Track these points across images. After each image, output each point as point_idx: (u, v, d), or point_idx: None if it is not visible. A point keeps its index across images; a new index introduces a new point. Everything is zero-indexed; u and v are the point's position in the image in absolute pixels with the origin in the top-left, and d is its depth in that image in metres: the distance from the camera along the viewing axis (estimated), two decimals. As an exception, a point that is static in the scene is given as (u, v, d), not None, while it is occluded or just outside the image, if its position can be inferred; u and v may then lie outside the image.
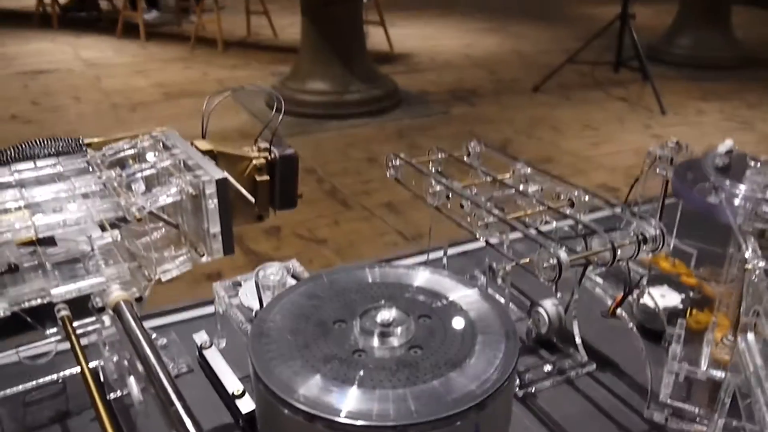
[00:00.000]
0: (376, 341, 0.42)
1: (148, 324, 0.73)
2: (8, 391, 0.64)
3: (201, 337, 0.68)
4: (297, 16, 3.51)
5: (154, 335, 0.69)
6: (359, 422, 0.36)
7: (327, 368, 0.39)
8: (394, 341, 0.41)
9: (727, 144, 0.70)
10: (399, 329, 0.42)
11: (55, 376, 0.65)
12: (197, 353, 0.67)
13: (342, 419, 0.36)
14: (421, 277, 0.48)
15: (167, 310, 0.75)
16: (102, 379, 0.64)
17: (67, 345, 0.69)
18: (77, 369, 0.66)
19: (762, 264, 0.49)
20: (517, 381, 0.63)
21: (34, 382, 0.64)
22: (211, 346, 0.66)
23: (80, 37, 5.06)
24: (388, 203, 2.43)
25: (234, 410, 0.60)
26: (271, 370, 0.39)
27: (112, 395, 0.62)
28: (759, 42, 5.04)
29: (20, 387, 0.64)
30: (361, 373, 0.39)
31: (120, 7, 5.15)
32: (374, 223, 2.30)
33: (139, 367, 0.38)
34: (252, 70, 4.21)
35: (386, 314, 0.42)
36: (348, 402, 0.37)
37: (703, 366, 0.59)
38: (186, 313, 0.75)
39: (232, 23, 5.43)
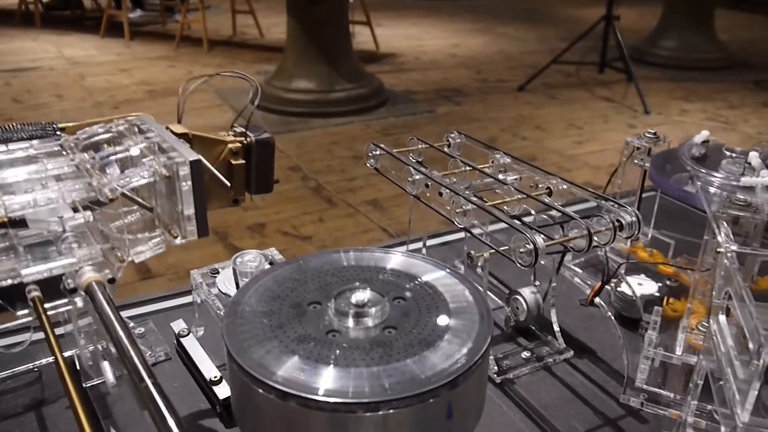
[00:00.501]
0: (350, 322, 0.42)
1: (125, 313, 0.73)
2: (-19, 380, 0.63)
3: (179, 325, 0.67)
4: (283, 16, 3.51)
5: (131, 324, 0.68)
6: (332, 399, 0.36)
7: (301, 348, 0.39)
8: (369, 321, 0.41)
9: (703, 134, 0.71)
10: (373, 310, 0.42)
11: (30, 365, 0.65)
12: (175, 341, 0.67)
13: (315, 396, 0.36)
14: (396, 260, 0.48)
15: (145, 300, 0.75)
16: (78, 367, 0.64)
17: (42, 334, 0.69)
18: (52, 358, 0.66)
19: (734, 247, 0.50)
20: (496, 368, 0.64)
21: (9, 371, 0.64)
22: (188, 334, 0.66)
23: (63, 36, 5.03)
24: (372, 200, 2.43)
25: (211, 396, 0.60)
26: (245, 351, 0.39)
27: (88, 383, 0.61)
28: (742, 44, 5.10)
29: (-6, 375, 0.64)
30: (336, 352, 0.39)
31: (104, 5, 5.11)
32: (359, 219, 2.31)
33: (112, 348, 0.38)
34: (237, 69, 4.20)
35: (361, 295, 0.42)
36: (322, 380, 0.37)
37: (678, 352, 0.60)
38: (164, 302, 0.75)
39: (218, 22, 5.42)
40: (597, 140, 3.10)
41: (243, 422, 0.42)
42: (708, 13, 4.56)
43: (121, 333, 0.37)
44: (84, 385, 0.62)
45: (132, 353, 0.35)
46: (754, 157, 0.68)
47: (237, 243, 2.17)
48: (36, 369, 0.65)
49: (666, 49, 4.51)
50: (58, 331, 0.69)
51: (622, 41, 3.73)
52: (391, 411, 0.36)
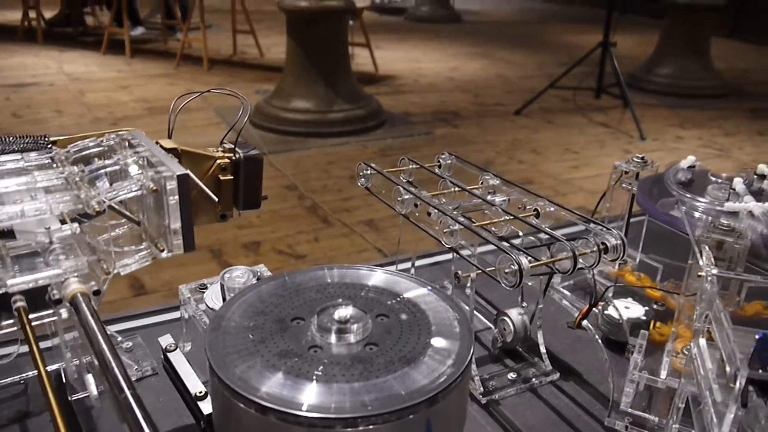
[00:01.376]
0: (333, 338, 0.42)
1: (114, 327, 0.73)
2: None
3: (166, 340, 0.68)
4: (283, 36, 3.54)
5: (119, 338, 0.68)
6: (311, 414, 0.36)
7: (283, 363, 0.40)
8: (351, 338, 0.42)
9: (689, 159, 0.72)
10: (355, 326, 0.42)
11: (17, 377, 0.65)
12: (162, 356, 0.67)
13: (295, 411, 0.36)
14: (380, 278, 0.49)
15: (133, 315, 0.75)
16: (64, 380, 0.64)
17: (17, 349, 0.69)
18: (31, 373, 0.66)
19: (714, 271, 0.50)
20: (482, 388, 0.64)
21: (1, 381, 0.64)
22: (176, 349, 0.66)
23: (64, 52, 5.06)
24: (368, 221, 2.44)
25: (196, 411, 0.60)
26: (226, 365, 0.39)
27: (74, 396, 0.61)
28: (737, 73, 5.15)
29: (-21, 388, 0.64)
30: (318, 368, 0.39)
31: (106, 23, 5.15)
32: (354, 239, 2.31)
33: (95, 360, 0.38)
34: (236, 88, 4.17)
35: (343, 312, 0.42)
36: (302, 396, 0.37)
37: (663, 375, 0.60)
38: (153, 317, 0.75)
39: (219, 42, 5.46)
40: (593, 165, 3.12)
41: (224, 436, 0.42)
42: (704, 42, 4.61)
43: (103, 345, 0.37)
44: (70, 398, 0.62)
45: (113, 365, 0.35)
46: (738, 183, 0.69)
47: (232, 260, 2.17)
48: (22, 381, 0.65)
49: (662, 76, 4.55)
50: (46, 344, 0.69)
51: (618, 68, 3.77)
52: (370, 427, 0.37)
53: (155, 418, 0.60)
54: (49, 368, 0.66)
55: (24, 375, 0.66)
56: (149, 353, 0.68)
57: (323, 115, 3.37)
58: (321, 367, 0.39)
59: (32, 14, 5.48)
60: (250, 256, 2.20)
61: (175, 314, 0.74)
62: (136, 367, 0.66)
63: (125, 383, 0.34)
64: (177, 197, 0.45)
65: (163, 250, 0.47)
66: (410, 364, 0.40)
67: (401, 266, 0.82)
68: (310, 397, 0.37)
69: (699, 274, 0.51)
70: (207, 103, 3.67)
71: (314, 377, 0.39)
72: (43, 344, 0.69)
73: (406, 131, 3.48)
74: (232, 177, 0.55)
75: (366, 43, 4.74)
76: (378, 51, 5.01)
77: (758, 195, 0.71)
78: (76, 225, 0.43)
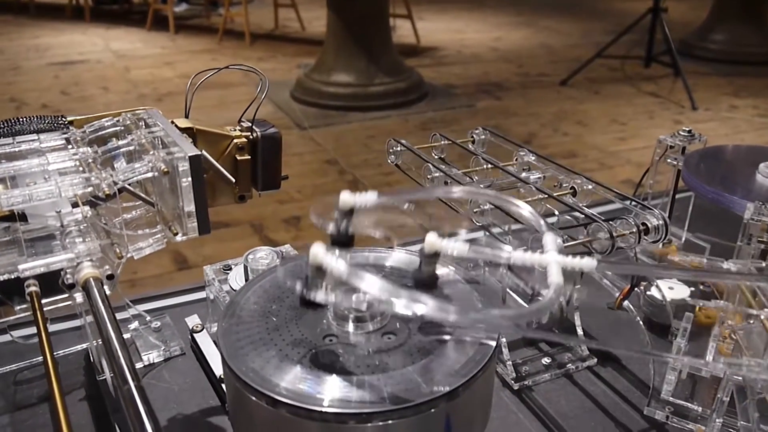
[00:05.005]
0: (350, 326, 0.40)
1: (143, 307, 0.73)
2: (0, 370, 0.64)
3: (193, 321, 0.67)
4: (325, 9, 3.50)
5: (148, 318, 0.68)
6: (324, 409, 0.34)
7: (296, 353, 0.38)
8: (368, 326, 0.40)
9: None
10: (373, 314, 0.40)
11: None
12: (189, 337, 0.66)
13: (307, 405, 0.35)
14: (401, 259, 0.46)
15: (162, 294, 0.75)
16: (92, 360, 0.64)
17: (59, 326, 0.70)
18: (68, 349, 0.67)
19: None
20: (514, 374, 0.61)
21: (26, 362, 0.64)
22: (202, 329, 0.65)
23: (111, 29, 5.13)
24: (408, 196, 2.41)
25: (221, 393, 0.59)
26: (239, 355, 0.38)
27: (100, 377, 0.61)
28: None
29: (13, 366, 0.64)
30: (331, 358, 0.38)
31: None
32: (393, 215, 2.29)
33: (102, 347, 0.37)
34: (278, 63, 4.22)
35: (361, 299, 0.40)
36: (315, 388, 0.36)
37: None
38: (181, 297, 0.74)
39: (260, 16, 5.46)
40: (641, 137, 3.02)
41: (238, 428, 0.41)
42: (760, 6, 4.39)
43: (111, 332, 0.36)
44: (97, 378, 0.62)
45: (120, 354, 0.34)
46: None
47: (272, 236, 2.17)
48: (52, 361, 0.65)
49: (716, 42, 4.36)
50: (75, 323, 0.70)
51: (669, 34, 3.62)
52: (387, 422, 0.35)
53: (181, 399, 0.60)
54: (78, 347, 0.67)
55: (54, 354, 0.66)
56: (177, 333, 0.68)
57: (364, 88, 3.34)
58: (336, 358, 0.38)
59: (79, -8, 5.56)
60: (291, 231, 2.21)
61: (202, 293, 0.73)
62: (163, 347, 0.65)
63: (130, 374, 0.32)
64: (189, 179, 0.44)
65: (177, 234, 0.46)
66: (429, 354, 0.38)
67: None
68: (323, 390, 0.35)
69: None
70: (248, 78, 3.68)
71: (329, 369, 0.37)
72: (72, 323, 0.70)
73: (447, 104, 3.42)
74: (249, 157, 0.53)
75: (407, 15, 4.66)
76: (420, 22, 4.93)
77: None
78: (87, 208, 0.42)
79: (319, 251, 0.34)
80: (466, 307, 0.39)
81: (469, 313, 0.33)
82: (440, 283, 0.41)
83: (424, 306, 0.32)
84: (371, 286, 0.32)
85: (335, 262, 0.34)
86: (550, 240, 0.38)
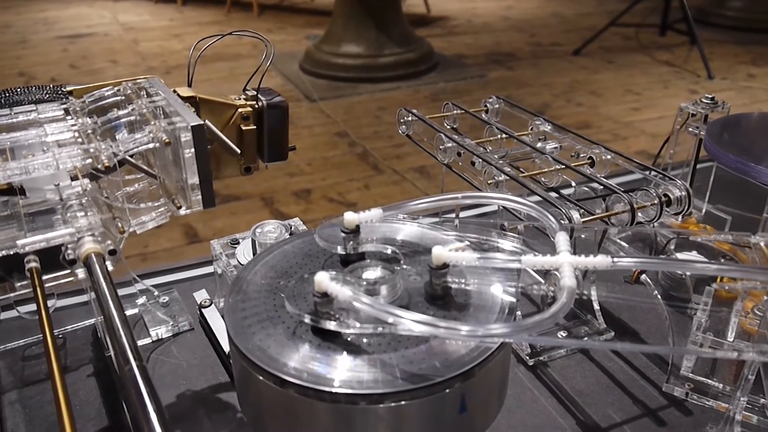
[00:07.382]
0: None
1: (151, 281, 0.72)
2: (8, 345, 0.63)
3: (201, 296, 0.66)
4: (332, -21, 3.45)
5: (156, 293, 0.67)
6: (333, 389, 0.33)
7: (304, 330, 0.37)
8: (380, 301, 0.38)
9: None
10: (384, 288, 0.38)
11: (56, 332, 0.65)
12: (198, 312, 0.65)
13: (315, 386, 0.33)
14: (412, 232, 0.45)
15: (171, 268, 0.74)
16: (99, 336, 0.63)
17: (68, 300, 0.69)
18: (77, 324, 0.66)
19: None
20: (528, 349, 0.60)
21: (34, 337, 0.64)
22: (210, 304, 0.64)
23: (118, 2, 5.08)
24: (419, 167, 2.38)
25: (229, 369, 0.58)
26: (245, 332, 0.37)
27: (108, 353, 0.61)
28: (817, 4, 4.78)
29: (21, 342, 0.64)
30: (341, 337, 0.36)
31: (158, -30, 5.13)
32: (405, 187, 2.27)
33: (104, 324, 0.36)
34: (286, 34, 4.17)
35: (371, 273, 0.39)
36: (324, 367, 0.34)
37: (730, 338, 0.55)
38: (189, 271, 0.73)
39: (269, -14, 5.38)
40: (656, 107, 2.97)
41: (245, 407, 0.40)
42: (781, -29, 4.28)
43: (113, 309, 0.35)
44: (105, 354, 0.61)
45: (121, 332, 0.33)
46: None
47: (283, 209, 2.16)
48: (60, 336, 0.65)
49: (733, 9, 4.25)
50: (82, 298, 0.69)
51: (685, 1, 3.53)
52: (399, 403, 0.33)
53: (189, 375, 0.60)
54: (87, 323, 0.66)
55: (62, 329, 0.65)
56: (185, 308, 0.67)
57: (374, 59, 3.29)
58: (345, 336, 0.36)
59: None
60: (301, 204, 2.19)
61: (210, 268, 0.72)
62: (172, 322, 0.64)
63: (132, 354, 0.31)
64: (192, 150, 0.42)
65: (180, 207, 0.44)
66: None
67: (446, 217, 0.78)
68: (332, 369, 0.34)
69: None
70: (257, 50, 3.64)
71: (337, 347, 0.35)
72: (81, 298, 0.69)
73: (458, 74, 3.37)
74: (254, 127, 0.51)
75: (418, -17, 4.59)
76: (430, -9, 4.85)
77: None
78: (87, 181, 0.41)
79: (323, 279, 0.34)
80: (480, 316, 0.38)
81: (483, 328, 0.33)
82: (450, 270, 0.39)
83: (436, 329, 0.32)
84: (380, 312, 0.33)
85: (340, 288, 0.34)
86: (563, 240, 0.37)
